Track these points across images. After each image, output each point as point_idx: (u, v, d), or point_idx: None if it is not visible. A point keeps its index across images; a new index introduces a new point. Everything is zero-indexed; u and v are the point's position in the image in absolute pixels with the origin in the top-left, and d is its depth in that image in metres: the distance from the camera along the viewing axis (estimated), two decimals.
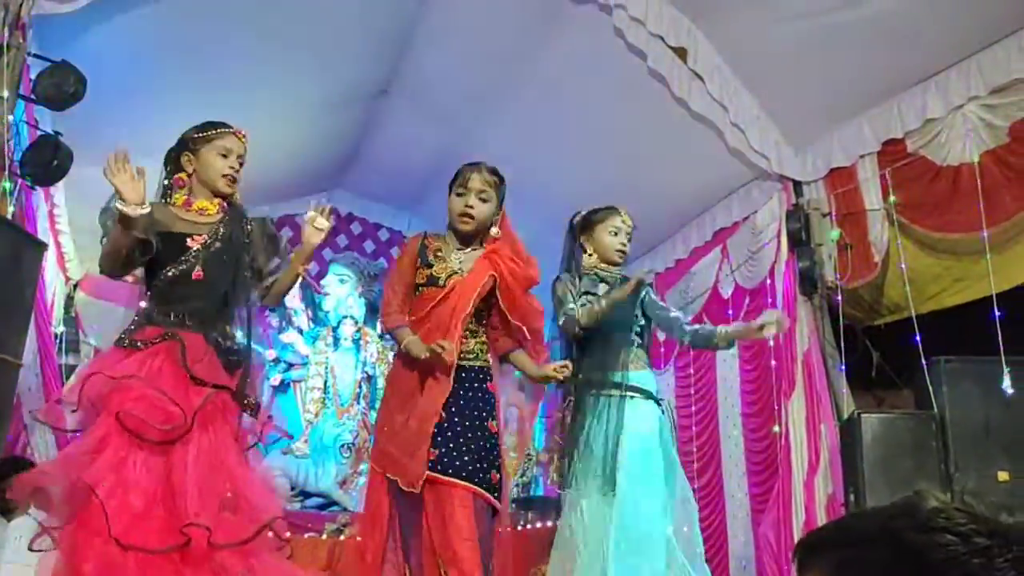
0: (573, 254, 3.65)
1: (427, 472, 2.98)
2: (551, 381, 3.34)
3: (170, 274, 2.79)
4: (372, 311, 7.76)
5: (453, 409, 3.09)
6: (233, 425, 2.73)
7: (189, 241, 2.84)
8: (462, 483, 2.99)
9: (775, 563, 4.91)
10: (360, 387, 7.32)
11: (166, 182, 2.97)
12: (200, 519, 2.42)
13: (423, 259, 3.24)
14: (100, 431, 2.52)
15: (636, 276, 3.43)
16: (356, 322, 7.60)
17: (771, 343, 5.26)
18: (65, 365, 5.91)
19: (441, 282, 3.18)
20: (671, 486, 3.39)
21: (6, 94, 3.64)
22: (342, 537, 5.46)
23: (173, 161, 2.96)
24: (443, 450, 3.02)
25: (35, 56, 4.00)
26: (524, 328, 3.27)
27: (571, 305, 3.45)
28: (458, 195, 3.24)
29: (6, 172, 3.77)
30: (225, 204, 2.94)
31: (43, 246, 4.04)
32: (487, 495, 3.04)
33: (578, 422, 3.45)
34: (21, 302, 3.69)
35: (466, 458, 3.03)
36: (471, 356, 3.18)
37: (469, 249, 3.27)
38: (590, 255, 3.61)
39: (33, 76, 3.98)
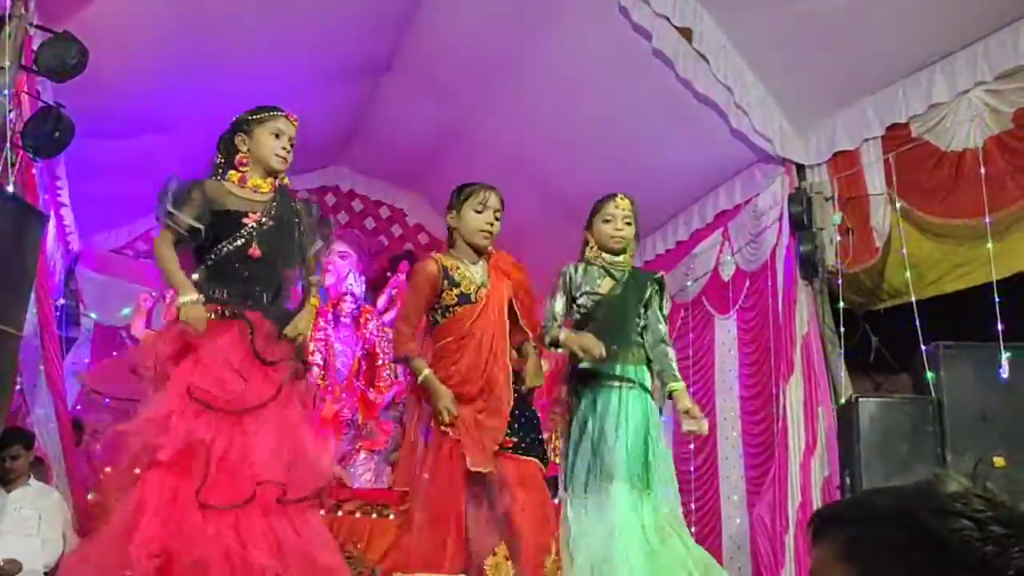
0: (584, 244, 3.72)
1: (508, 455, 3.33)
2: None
3: (225, 250, 2.98)
4: (371, 288, 7.76)
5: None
6: (300, 393, 3.01)
7: (244, 219, 3.02)
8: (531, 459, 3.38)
9: (769, 544, 4.94)
10: (360, 364, 7.32)
11: (220, 160, 3.17)
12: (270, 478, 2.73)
13: (449, 280, 3.40)
14: (172, 400, 2.73)
15: (592, 348, 3.42)
16: (356, 298, 7.59)
17: (769, 321, 5.28)
18: (65, 337, 5.92)
19: (473, 298, 3.40)
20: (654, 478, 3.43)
21: (8, 64, 3.63)
22: (339, 512, 5.47)
23: (227, 142, 3.17)
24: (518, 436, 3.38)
25: (37, 27, 3.98)
26: (530, 330, 3.57)
27: (551, 321, 3.60)
28: (477, 212, 3.44)
29: (8, 143, 3.75)
30: (276, 184, 3.15)
31: (45, 218, 4.04)
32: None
33: (575, 410, 3.56)
34: (23, 274, 3.69)
35: (529, 440, 3.42)
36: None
37: (480, 261, 3.50)
38: (591, 247, 3.66)
39: (35, 47, 3.96)
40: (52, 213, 5.14)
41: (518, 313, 3.51)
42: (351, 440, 7.08)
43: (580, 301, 3.59)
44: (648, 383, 3.54)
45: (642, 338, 3.59)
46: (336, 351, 7.31)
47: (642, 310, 3.59)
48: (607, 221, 3.62)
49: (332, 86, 6.54)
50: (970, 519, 0.83)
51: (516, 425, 3.36)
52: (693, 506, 5.74)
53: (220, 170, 3.15)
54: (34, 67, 3.94)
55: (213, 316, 2.90)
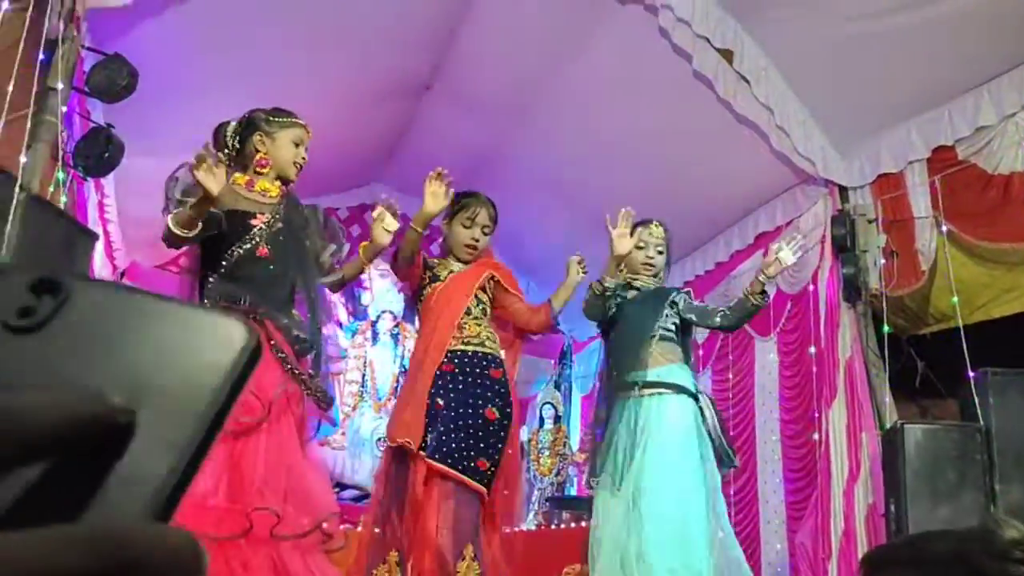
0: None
1: (419, 453, 3.15)
2: (574, 282, 3.46)
3: (236, 253, 2.79)
4: (410, 306, 7.80)
5: (452, 394, 3.24)
6: (298, 415, 2.72)
7: (252, 220, 2.85)
8: (439, 465, 3.12)
9: (811, 571, 4.87)
10: (397, 381, 7.36)
11: (227, 157, 2.94)
12: (266, 506, 2.45)
13: (426, 265, 3.51)
14: None
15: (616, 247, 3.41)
16: (395, 316, 7.63)
17: (812, 351, 5.21)
18: None
19: (443, 277, 3.46)
20: (703, 481, 3.35)
21: (60, 86, 3.71)
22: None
23: (241, 139, 2.97)
24: (434, 435, 3.17)
25: (89, 49, 4.07)
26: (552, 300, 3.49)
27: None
28: (465, 227, 3.49)
29: (59, 163, 3.83)
30: (285, 188, 2.98)
31: (94, 236, 4.11)
32: (465, 479, 3.11)
33: (604, 423, 3.52)
34: None
35: (453, 444, 3.14)
36: (474, 341, 3.35)
37: (464, 264, 3.54)
38: (622, 270, 3.62)
39: (87, 68, 4.05)
40: (101, 230, 5.24)
41: (506, 286, 3.50)
42: None
43: (608, 305, 3.56)
44: (687, 381, 3.48)
45: (677, 336, 3.55)
46: (375, 368, 7.35)
47: (668, 309, 3.56)
48: (641, 247, 3.62)
49: (372, 104, 6.61)
50: None
51: (443, 418, 3.21)
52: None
53: (226, 167, 2.89)
54: (85, 88, 4.03)
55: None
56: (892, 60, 4.59)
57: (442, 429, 3.16)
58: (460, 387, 3.24)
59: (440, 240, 3.72)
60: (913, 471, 4.09)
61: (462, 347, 3.31)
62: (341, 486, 7.09)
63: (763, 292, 3.47)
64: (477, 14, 5.62)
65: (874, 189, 5.14)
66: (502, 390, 3.29)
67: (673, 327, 3.55)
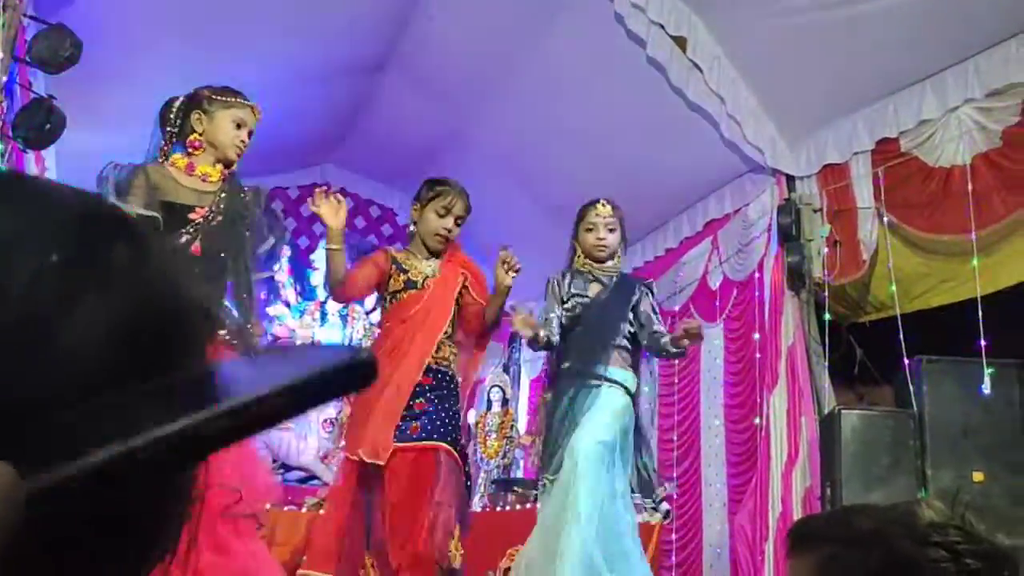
0: (572, 253, 3.69)
1: (398, 445, 3.14)
2: (504, 288, 3.40)
3: None
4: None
5: (432, 396, 3.27)
6: None
7: (191, 214, 2.72)
8: (438, 443, 3.18)
9: (749, 553, 4.96)
10: None
11: (165, 140, 2.84)
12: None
13: (398, 267, 3.39)
14: None
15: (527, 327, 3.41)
16: None
17: (756, 337, 5.30)
18: None
19: (419, 285, 3.35)
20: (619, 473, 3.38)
21: (1, 55, 3.61)
22: (322, 511, 5.47)
23: (179, 119, 2.84)
24: (421, 422, 3.21)
25: (31, 18, 3.97)
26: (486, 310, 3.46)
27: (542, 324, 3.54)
28: (440, 215, 3.39)
29: None
30: (226, 172, 2.86)
31: None
32: (453, 449, 3.22)
33: (553, 408, 3.51)
34: None
35: (443, 428, 3.23)
36: (444, 363, 3.34)
37: (432, 258, 3.44)
38: (578, 256, 3.63)
39: (28, 38, 3.95)
40: None
41: (474, 295, 3.44)
42: (335, 439, 7.08)
43: (568, 305, 3.56)
44: (632, 387, 3.50)
45: (631, 344, 3.55)
46: None
47: (630, 314, 3.55)
48: (589, 229, 3.59)
49: (324, 83, 6.54)
50: (948, 550, 0.84)
51: (425, 411, 3.25)
52: (674, 513, 5.75)
53: (164, 152, 2.82)
54: (27, 58, 3.93)
55: None
56: (840, 52, 4.65)
57: (432, 416, 3.23)
58: (442, 393, 3.30)
59: (408, 228, 3.62)
60: (849, 455, 4.19)
61: (435, 365, 3.30)
62: (286, 467, 7.05)
63: (678, 353, 3.55)
64: None
65: (820, 179, 5.22)
66: (462, 403, 3.44)
67: (630, 335, 3.55)
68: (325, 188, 3.24)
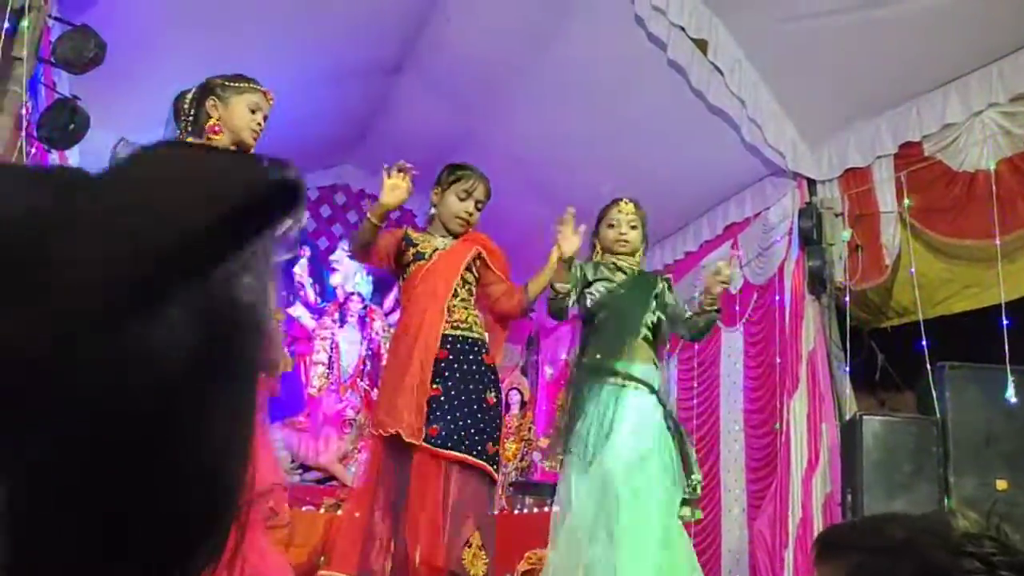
0: (592, 250, 3.65)
1: (424, 444, 3.04)
2: (567, 259, 3.33)
3: None
4: (379, 288, 7.77)
5: (450, 383, 3.15)
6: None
7: None
8: (456, 454, 3.06)
9: (768, 559, 4.93)
10: (364, 364, 7.34)
11: (183, 128, 2.85)
12: None
13: (408, 241, 3.34)
14: None
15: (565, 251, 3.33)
16: (363, 299, 7.61)
17: (776, 335, 5.27)
18: None
19: (427, 256, 3.29)
20: (664, 483, 3.29)
21: (25, 55, 3.65)
22: (340, 512, 5.48)
23: (193, 107, 2.86)
24: (441, 424, 3.08)
25: (56, 19, 4.00)
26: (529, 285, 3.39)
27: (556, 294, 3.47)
28: (460, 199, 3.35)
29: (23, 133, 3.77)
30: None
31: None
32: (482, 463, 3.10)
33: (577, 407, 3.42)
34: None
35: (462, 432, 3.09)
36: (464, 326, 3.24)
37: (451, 238, 3.39)
38: (598, 253, 3.61)
39: (53, 39, 3.98)
40: None
41: (490, 264, 3.37)
42: (353, 440, 7.10)
43: (593, 288, 3.51)
44: (656, 383, 3.44)
45: (654, 336, 3.51)
46: (342, 350, 7.32)
47: (653, 304, 3.51)
48: (611, 226, 3.58)
49: (344, 85, 6.56)
50: (981, 560, 0.82)
51: (441, 405, 3.13)
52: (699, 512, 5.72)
53: (184, 135, 2.83)
54: (51, 59, 3.96)
55: None
56: (863, 55, 4.63)
57: (449, 418, 3.10)
58: (457, 375, 3.17)
59: (427, 212, 3.54)
60: (870, 462, 4.15)
61: (451, 331, 3.20)
62: (304, 468, 7.07)
63: (715, 309, 3.48)
64: None
65: (842, 183, 5.19)
66: (495, 376, 3.29)
67: (652, 326, 3.50)
68: (401, 165, 3.16)
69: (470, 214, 3.35)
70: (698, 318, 3.47)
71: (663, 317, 3.54)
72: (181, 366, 0.35)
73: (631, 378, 3.38)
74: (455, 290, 3.26)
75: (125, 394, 0.33)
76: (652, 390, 3.41)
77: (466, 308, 3.28)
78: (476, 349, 3.24)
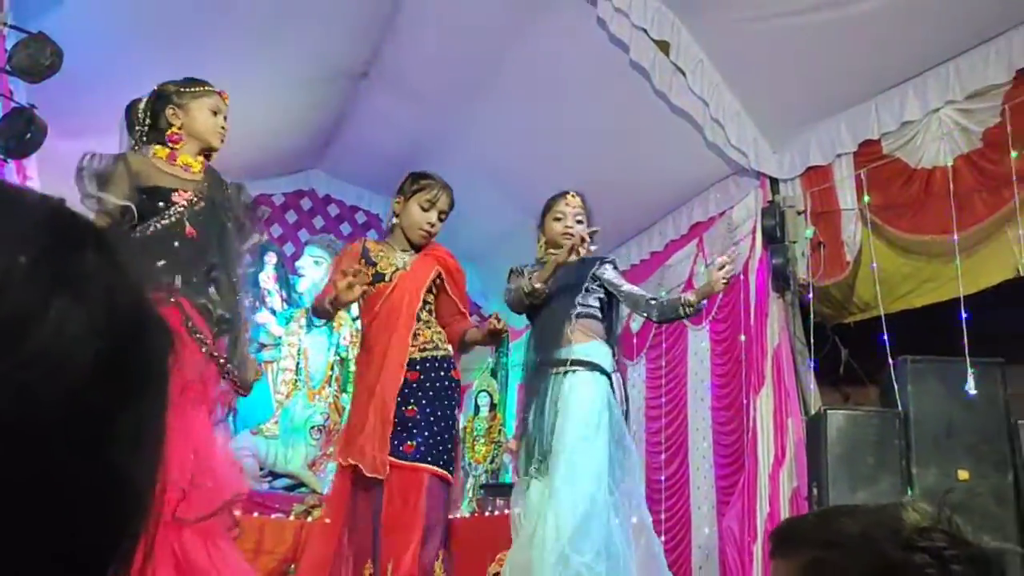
0: (537, 243, 3.63)
1: (401, 462, 3.10)
2: (497, 335, 3.38)
3: (152, 229, 2.63)
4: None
5: (424, 401, 3.20)
6: (211, 397, 2.59)
7: (175, 196, 2.70)
8: (434, 468, 3.14)
9: (738, 554, 4.97)
10: (332, 370, 7.30)
11: (139, 132, 2.82)
12: (171, 488, 2.23)
13: (367, 259, 3.31)
14: None
15: (563, 252, 3.26)
16: None
17: (742, 339, 5.32)
18: None
19: (388, 278, 3.28)
20: (614, 473, 3.24)
21: None
22: (310, 519, 5.45)
23: (153, 114, 2.83)
24: (419, 440, 3.14)
25: (11, 27, 3.95)
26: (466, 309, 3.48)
27: (509, 285, 3.47)
28: (424, 208, 3.34)
29: None
30: (207, 163, 2.84)
31: None
32: (447, 474, 3.20)
33: (526, 404, 3.43)
34: None
35: (439, 447, 3.18)
36: (430, 347, 3.28)
37: (411, 251, 3.38)
38: (541, 246, 3.57)
39: (8, 47, 3.93)
40: None
41: (450, 291, 3.38)
42: (322, 445, 7.06)
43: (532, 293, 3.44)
44: (604, 359, 3.36)
45: (602, 311, 3.46)
46: (309, 356, 7.28)
47: (591, 283, 3.44)
48: (558, 219, 3.51)
49: (308, 90, 6.53)
50: (932, 555, 0.84)
51: (417, 423, 3.17)
52: (663, 515, 5.76)
53: (140, 144, 2.80)
54: (7, 68, 3.91)
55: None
56: (822, 55, 4.68)
57: (427, 434, 3.16)
58: (431, 393, 3.22)
59: (388, 219, 3.53)
60: (834, 456, 4.21)
61: (419, 355, 3.23)
62: (273, 475, 7.02)
63: (697, 308, 3.41)
64: (414, 0, 5.59)
65: (803, 181, 5.25)
66: (459, 390, 3.38)
67: (597, 302, 3.45)
68: (357, 270, 3.13)
69: (432, 225, 3.35)
70: (671, 305, 3.37)
71: (613, 295, 3.48)
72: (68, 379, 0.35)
73: (574, 362, 3.32)
74: (418, 315, 3.28)
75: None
76: (595, 367, 3.34)
77: (429, 327, 3.32)
78: (445, 366, 3.29)
